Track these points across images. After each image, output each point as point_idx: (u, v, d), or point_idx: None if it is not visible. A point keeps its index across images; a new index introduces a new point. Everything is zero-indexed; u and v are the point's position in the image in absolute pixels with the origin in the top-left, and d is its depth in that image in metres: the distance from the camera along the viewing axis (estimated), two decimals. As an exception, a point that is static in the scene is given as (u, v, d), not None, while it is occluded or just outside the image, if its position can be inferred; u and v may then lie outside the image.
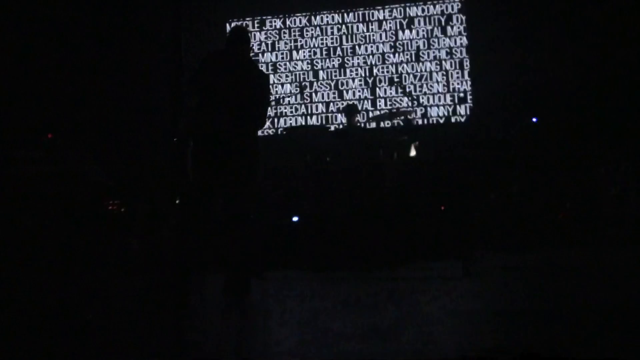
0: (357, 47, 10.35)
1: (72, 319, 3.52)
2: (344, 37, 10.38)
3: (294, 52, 10.47)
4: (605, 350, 2.09)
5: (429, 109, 10.06)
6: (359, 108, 8.78)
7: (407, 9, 10.29)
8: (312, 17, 10.49)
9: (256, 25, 10.56)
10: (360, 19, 10.38)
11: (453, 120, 10.01)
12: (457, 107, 10.01)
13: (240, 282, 4.49)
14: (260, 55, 10.47)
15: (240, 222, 4.58)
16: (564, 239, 7.89)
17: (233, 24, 10.26)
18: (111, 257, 7.23)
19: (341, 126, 9.43)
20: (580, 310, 3.38)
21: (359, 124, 8.60)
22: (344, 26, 10.40)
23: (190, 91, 4.47)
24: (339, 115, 10.08)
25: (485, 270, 5.46)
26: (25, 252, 3.48)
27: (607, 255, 6.74)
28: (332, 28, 10.42)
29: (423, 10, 10.26)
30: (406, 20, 10.29)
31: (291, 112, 10.31)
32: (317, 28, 10.45)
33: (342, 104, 10.09)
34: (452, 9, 10.20)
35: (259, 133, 8.81)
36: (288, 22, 10.52)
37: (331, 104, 10.24)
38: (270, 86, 5.13)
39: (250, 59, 5.03)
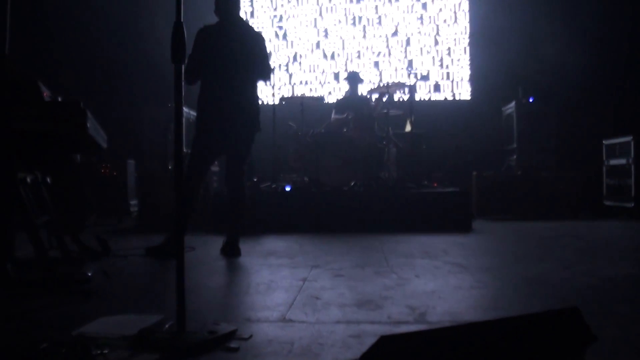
0: (357, 17, 10.28)
1: (75, 276, 3.56)
2: (345, 7, 10.30)
3: (292, 18, 10.38)
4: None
5: (426, 84, 10.05)
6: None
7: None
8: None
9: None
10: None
11: (451, 97, 10.01)
12: (456, 84, 10.01)
13: (233, 245, 4.68)
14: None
15: (237, 188, 4.79)
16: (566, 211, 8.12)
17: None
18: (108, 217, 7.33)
19: (343, 94, 9.37)
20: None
21: (361, 94, 8.55)
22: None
23: (188, 68, 4.56)
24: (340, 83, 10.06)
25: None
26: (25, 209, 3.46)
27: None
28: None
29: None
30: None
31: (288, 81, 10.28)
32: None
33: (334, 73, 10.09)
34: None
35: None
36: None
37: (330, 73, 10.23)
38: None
39: (242, 22, 5.05)
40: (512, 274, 3.92)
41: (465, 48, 10.06)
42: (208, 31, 4.85)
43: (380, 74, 10.10)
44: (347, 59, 10.18)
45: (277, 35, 10.30)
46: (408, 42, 10.12)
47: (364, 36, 10.20)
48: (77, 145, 3.80)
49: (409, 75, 10.01)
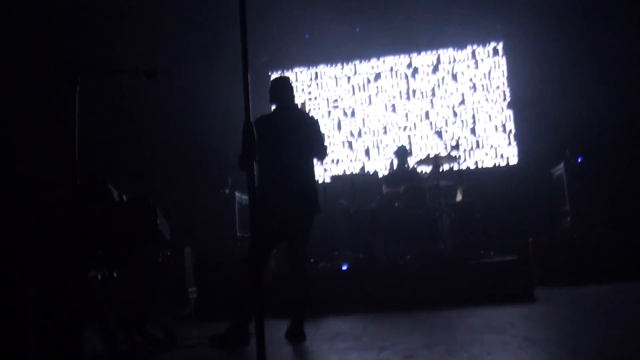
0: (398, 92, 10.47)
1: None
2: (384, 83, 10.52)
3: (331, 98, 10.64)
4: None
5: (471, 152, 10.07)
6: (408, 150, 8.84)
7: (447, 53, 10.43)
8: (345, 65, 10.73)
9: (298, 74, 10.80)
10: (399, 66, 10.53)
11: (497, 163, 10.00)
12: (501, 149, 10.01)
13: (299, 329, 4.66)
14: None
15: (300, 271, 4.81)
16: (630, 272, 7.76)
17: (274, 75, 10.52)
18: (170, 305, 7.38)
19: (390, 170, 9.48)
20: None
21: (408, 167, 8.58)
22: (381, 72, 10.56)
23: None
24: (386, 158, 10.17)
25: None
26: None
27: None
28: (369, 74, 10.60)
29: (466, 56, 10.38)
30: (447, 64, 10.40)
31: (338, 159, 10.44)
32: (353, 76, 10.63)
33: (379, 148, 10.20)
34: (494, 53, 10.29)
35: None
36: (324, 71, 10.74)
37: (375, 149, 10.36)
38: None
39: (296, 109, 5.20)
40: (585, 346, 3.82)
41: (495, 111, 10.09)
42: (264, 120, 5.01)
43: (411, 146, 10.20)
44: (375, 136, 10.39)
45: (329, 116, 10.54)
46: (444, 112, 10.24)
47: (394, 110, 10.40)
48: (147, 240, 3.92)
49: (456, 146, 10.04)
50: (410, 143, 10.10)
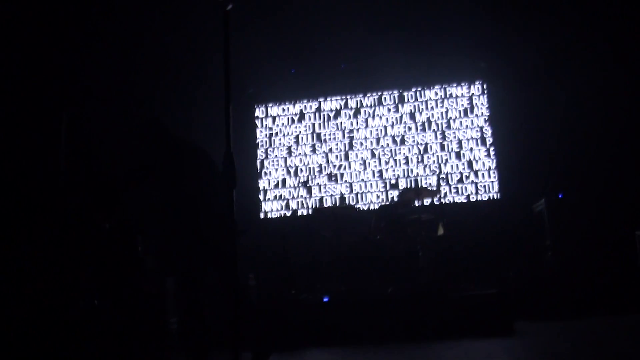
0: (378, 128, 10.54)
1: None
2: (366, 120, 10.61)
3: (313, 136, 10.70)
4: None
5: (453, 187, 10.14)
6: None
7: (427, 90, 10.52)
8: (324, 102, 10.79)
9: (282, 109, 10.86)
10: (380, 102, 10.63)
11: (479, 198, 10.07)
12: (481, 184, 10.10)
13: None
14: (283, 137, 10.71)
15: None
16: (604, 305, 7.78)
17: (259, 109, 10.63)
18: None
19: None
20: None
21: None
22: (363, 109, 10.67)
23: None
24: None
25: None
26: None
27: None
28: (351, 110, 10.69)
29: (445, 93, 10.48)
30: (426, 101, 10.50)
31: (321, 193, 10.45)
32: (330, 111, 10.73)
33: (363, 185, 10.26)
34: (475, 90, 10.42)
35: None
36: (306, 107, 10.81)
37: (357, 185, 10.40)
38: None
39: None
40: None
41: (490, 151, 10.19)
42: None
43: (388, 181, 10.25)
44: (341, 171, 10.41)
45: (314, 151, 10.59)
46: (426, 148, 10.32)
47: (378, 142, 10.45)
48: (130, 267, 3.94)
49: (438, 180, 10.12)
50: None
